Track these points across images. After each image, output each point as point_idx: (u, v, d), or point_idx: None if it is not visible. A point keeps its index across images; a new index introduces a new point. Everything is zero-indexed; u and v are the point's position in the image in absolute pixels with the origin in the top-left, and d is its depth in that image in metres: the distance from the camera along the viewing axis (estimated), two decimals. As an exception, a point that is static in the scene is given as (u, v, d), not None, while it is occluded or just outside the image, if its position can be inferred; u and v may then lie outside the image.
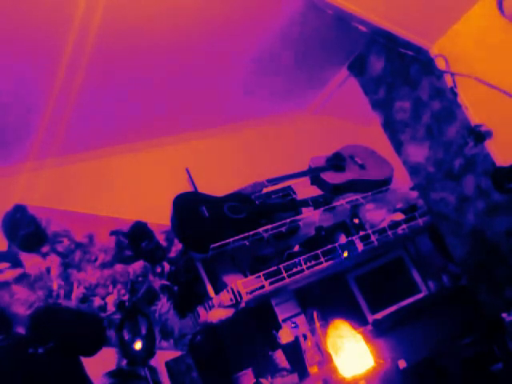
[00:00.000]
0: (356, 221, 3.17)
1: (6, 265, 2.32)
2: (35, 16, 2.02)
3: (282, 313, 2.93)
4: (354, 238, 2.97)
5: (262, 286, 2.66)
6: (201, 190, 3.14)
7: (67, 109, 2.57)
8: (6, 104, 2.41)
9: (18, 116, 2.54)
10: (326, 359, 2.63)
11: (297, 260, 2.79)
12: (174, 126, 3.30)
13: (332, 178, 3.20)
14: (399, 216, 3.18)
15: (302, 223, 3.09)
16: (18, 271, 2.33)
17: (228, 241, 2.71)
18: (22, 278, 2.33)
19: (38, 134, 2.65)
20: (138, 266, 2.98)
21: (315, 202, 3.15)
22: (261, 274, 2.70)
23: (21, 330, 2.12)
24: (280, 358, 2.75)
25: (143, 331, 2.64)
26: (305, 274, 2.78)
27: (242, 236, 2.77)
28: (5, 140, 2.63)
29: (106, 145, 3.14)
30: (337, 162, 3.33)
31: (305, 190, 3.30)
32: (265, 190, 3.15)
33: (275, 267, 2.73)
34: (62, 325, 2.40)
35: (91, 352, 2.48)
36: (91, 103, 2.66)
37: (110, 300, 2.84)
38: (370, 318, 3.12)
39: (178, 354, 2.85)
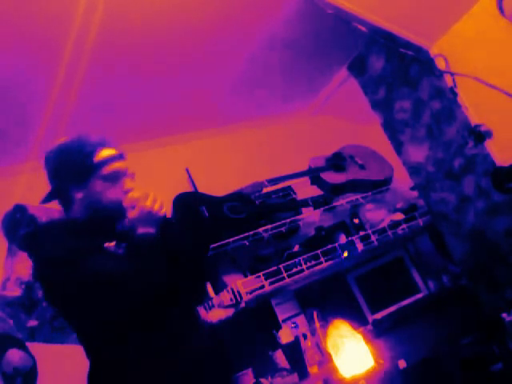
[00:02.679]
0: (356, 221, 3.16)
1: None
2: (36, 14, 2.03)
3: (281, 313, 2.93)
4: (354, 238, 2.97)
5: (262, 286, 2.66)
6: (201, 190, 3.14)
7: (67, 109, 2.56)
8: (5, 103, 2.41)
9: (18, 115, 2.54)
10: (326, 359, 2.63)
11: (297, 260, 2.79)
12: (174, 125, 3.30)
13: (332, 178, 3.20)
14: (399, 216, 3.17)
15: (301, 223, 3.08)
16: None
17: (228, 241, 2.71)
18: None
19: (38, 133, 2.65)
20: (137, 265, 2.97)
21: (315, 202, 3.14)
22: (261, 274, 2.70)
23: None
24: (280, 357, 2.75)
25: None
26: (305, 274, 2.78)
27: (241, 236, 2.77)
28: (5, 140, 2.63)
29: (105, 145, 3.14)
30: (337, 161, 3.33)
31: (305, 189, 3.30)
32: (265, 190, 3.14)
33: (275, 267, 2.73)
34: None
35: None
36: (91, 103, 2.66)
37: (110, 300, 2.82)
38: (370, 318, 3.12)
39: (177, 353, 2.85)
